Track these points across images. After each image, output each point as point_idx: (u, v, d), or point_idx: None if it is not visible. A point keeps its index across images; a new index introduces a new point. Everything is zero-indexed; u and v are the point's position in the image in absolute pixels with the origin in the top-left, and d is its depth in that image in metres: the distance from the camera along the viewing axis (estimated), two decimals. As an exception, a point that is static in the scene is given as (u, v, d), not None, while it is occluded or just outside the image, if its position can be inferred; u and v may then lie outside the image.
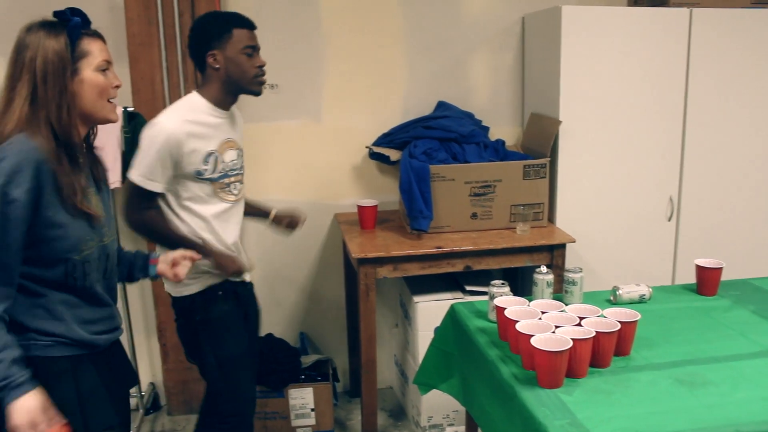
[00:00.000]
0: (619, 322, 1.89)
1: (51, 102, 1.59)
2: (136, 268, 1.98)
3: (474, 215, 3.06)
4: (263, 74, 2.27)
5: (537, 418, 1.64)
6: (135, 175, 2.16)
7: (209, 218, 2.26)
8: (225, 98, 2.27)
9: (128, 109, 2.96)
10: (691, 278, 2.49)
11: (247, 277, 2.45)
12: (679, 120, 3.19)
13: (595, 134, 3.13)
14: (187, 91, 3.08)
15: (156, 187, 2.17)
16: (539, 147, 3.16)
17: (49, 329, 1.63)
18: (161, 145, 2.12)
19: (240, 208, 2.41)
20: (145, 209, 2.21)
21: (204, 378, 2.42)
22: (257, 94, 2.30)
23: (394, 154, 3.20)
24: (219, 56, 2.19)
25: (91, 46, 1.69)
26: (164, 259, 1.96)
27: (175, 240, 2.20)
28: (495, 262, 2.95)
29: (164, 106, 3.08)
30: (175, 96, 3.10)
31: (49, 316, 1.64)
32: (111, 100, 1.72)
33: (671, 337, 2.08)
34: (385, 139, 3.27)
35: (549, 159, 3.07)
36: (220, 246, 2.28)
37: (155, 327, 3.37)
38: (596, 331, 1.83)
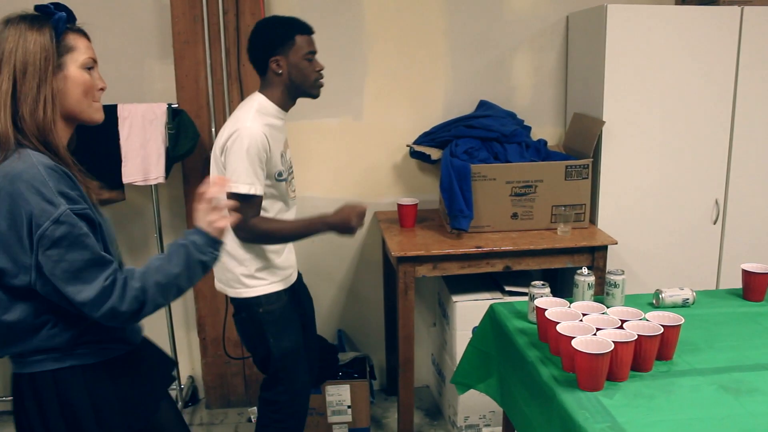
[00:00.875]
0: (662, 325, 1.86)
1: (28, 96, 1.50)
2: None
3: (515, 215, 3.04)
4: (322, 77, 2.35)
5: (576, 421, 1.62)
6: (242, 187, 2.17)
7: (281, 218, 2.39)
8: (287, 101, 2.35)
9: (173, 105, 3.00)
10: (737, 283, 2.44)
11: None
12: (727, 121, 3.13)
13: (639, 135, 3.09)
14: (230, 89, 3.13)
15: (257, 190, 2.21)
16: (582, 147, 3.12)
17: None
18: (253, 149, 2.18)
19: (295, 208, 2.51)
20: (253, 217, 2.24)
21: (263, 370, 2.49)
22: (316, 96, 2.38)
23: (435, 153, 3.19)
24: (282, 62, 2.26)
25: (77, 42, 1.60)
26: (204, 221, 1.67)
27: (294, 230, 2.34)
28: (535, 262, 2.92)
29: (207, 104, 3.13)
30: (218, 93, 3.13)
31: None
32: (95, 102, 1.66)
33: (716, 343, 2.03)
34: (426, 138, 3.26)
35: (592, 159, 3.03)
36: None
37: (195, 321, 3.41)
38: (638, 335, 1.80)
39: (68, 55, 1.57)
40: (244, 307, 2.39)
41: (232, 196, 2.14)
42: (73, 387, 1.59)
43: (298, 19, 2.32)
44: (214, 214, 1.66)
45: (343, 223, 2.29)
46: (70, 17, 1.61)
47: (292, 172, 2.46)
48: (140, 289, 1.53)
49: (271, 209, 2.35)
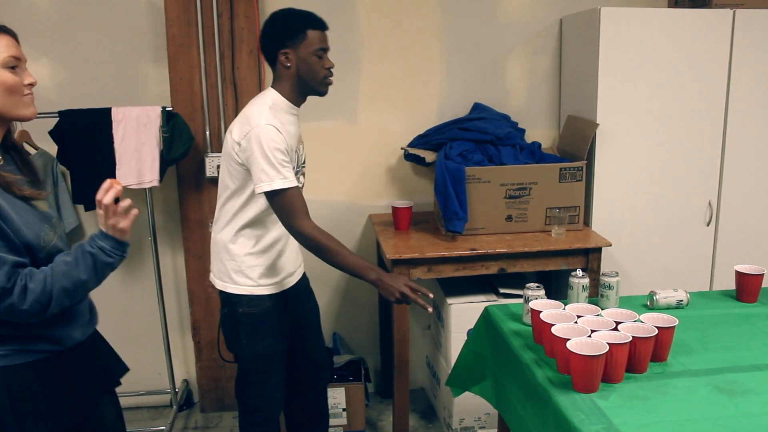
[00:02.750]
0: (657, 327, 1.87)
1: None
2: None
3: (509, 217, 3.05)
4: (331, 75, 2.29)
5: (572, 423, 1.63)
6: (276, 184, 2.12)
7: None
8: (297, 97, 2.30)
9: (167, 108, 2.99)
10: (730, 284, 2.45)
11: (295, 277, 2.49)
12: (720, 123, 3.14)
13: (633, 137, 3.10)
14: (224, 92, 3.13)
15: (293, 182, 2.15)
16: (576, 150, 3.13)
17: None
18: (272, 145, 2.12)
19: None
20: (307, 212, 2.19)
21: (238, 368, 2.46)
22: (323, 94, 2.32)
23: (429, 156, 3.20)
24: (291, 55, 2.21)
25: None
26: (106, 226, 1.70)
27: (347, 261, 2.18)
28: (530, 264, 2.93)
29: (202, 107, 3.13)
30: (212, 96, 3.13)
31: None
32: (26, 97, 1.66)
33: (710, 344, 2.04)
34: (421, 141, 3.27)
35: (586, 162, 3.04)
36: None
37: (189, 325, 3.41)
38: (633, 336, 1.81)
39: None
40: (227, 302, 2.37)
41: (270, 195, 2.13)
42: None
43: (313, 14, 2.26)
44: (113, 218, 1.68)
45: (391, 286, 2.14)
46: None
47: (304, 167, 2.43)
48: (43, 293, 1.57)
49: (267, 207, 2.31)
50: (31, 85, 1.67)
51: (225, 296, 2.37)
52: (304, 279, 2.60)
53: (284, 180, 2.12)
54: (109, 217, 1.67)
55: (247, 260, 2.31)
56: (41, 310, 1.58)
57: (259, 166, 2.12)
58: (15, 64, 1.62)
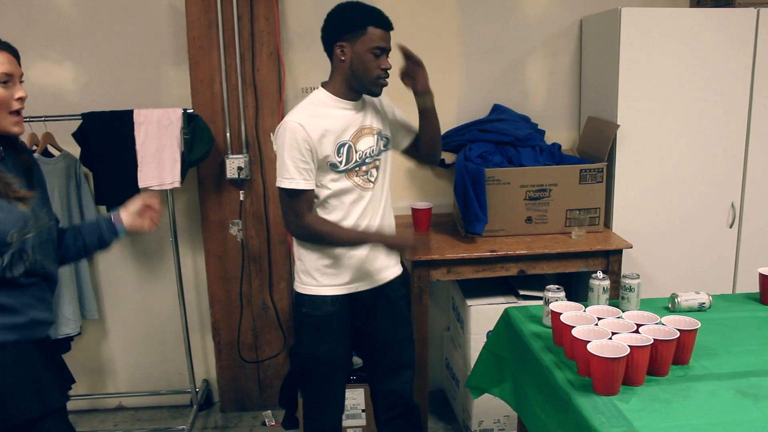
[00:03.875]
0: (678, 330, 1.85)
1: None
2: (104, 232, 2.00)
3: (529, 219, 3.04)
4: (386, 77, 2.23)
5: (593, 426, 1.62)
6: (283, 182, 2.17)
7: (349, 210, 2.28)
8: (348, 92, 2.25)
9: (188, 111, 3.02)
10: (753, 287, 2.42)
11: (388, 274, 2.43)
12: (743, 124, 3.10)
13: (654, 138, 3.07)
14: (244, 94, 3.15)
15: (298, 184, 2.16)
16: (596, 151, 3.11)
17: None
18: (293, 143, 2.13)
19: (381, 195, 2.36)
20: (305, 213, 2.20)
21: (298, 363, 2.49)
22: (375, 95, 2.28)
23: (449, 157, 3.19)
24: (347, 49, 2.17)
25: None
26: (131, 211, 1.99)
27: (347, 237, 2.25)
28: (549, 266, 2.91)
29: (222, 109, 3.15)
30: (233, 98, 3.15)
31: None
32: (15, 112, 1.72)
33: (733, 347, 2.02)
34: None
35: (606, 163, 3.02)
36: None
37: (210, 325, 3.43)
38: (654, 339, 1.80)
39: None
40: (295, 301, 2.41)
41: (280, 191, 2.19)
42: None
43: (380, 12, 2.19)
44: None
45: (399, 240, 2.25)
46: None
47: (375, 158, 2.31)
48: None
49: (340, 204, 2.26)
50: (21, 99, 1.72)
51: (294, 294, 2.41)
52: (392, 290, 2.45)
53: (290, 180, 2.15)
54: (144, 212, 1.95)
55: (314, 261, 2.30)
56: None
57: (278, 160, 2.19)
58: (6, 80, 1.68)
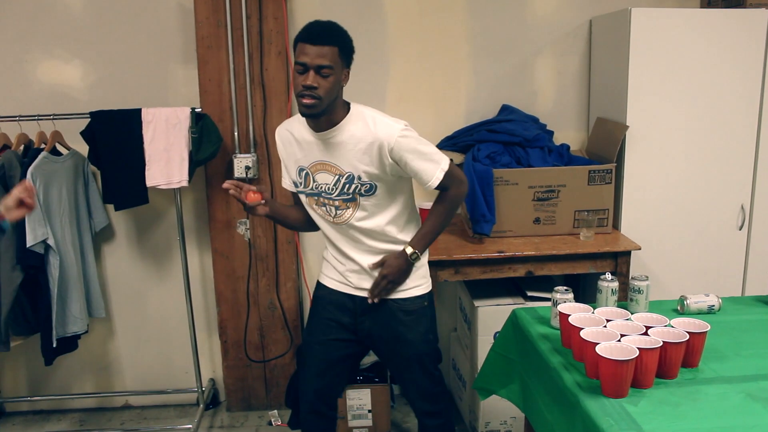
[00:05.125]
0: (688, 332, 1.83)
1: None
2: None
3: (537, 220, 3.02)
4: (307, 96, 2.04)
5: (601, 428, 1.61)
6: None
7: (324, 229, 2.38)
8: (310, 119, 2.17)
9: (196, 110, 3.02)
10: (763, 290, 2.41)
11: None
12: (754, 125, 3.08)
13: (664, 140, 3.06)
14: (253, 93, 3.15)
15: (285, 183, 2.41)
16: (605, 152, 3.10)
17: None
18: (278, 145, 2.34)
19: (361, 234, 2.28)
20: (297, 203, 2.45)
21: None
22: (304, 114, 2.13)
23: (457, 158, 3.19)
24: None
25: None
26: (8, 207, 2.07)
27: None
28: (557, 268, 2.90)
29: (230, 108, 3.15)
30: (241, 97, 3.15)
31: None
32: None
33: (742, 350, 2.00)
34: (449, 142, 3.26)
35: (615, 164, 3.00)
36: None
37: (216, 324, 3.43)
38: (663, 341, 1.78)
39: None
40: None
41: None
42: None
43: (309, 25, 2.09)
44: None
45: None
46: None
47: (334, 199, 2.23)
48: None
49: (317, 219, 2.39)
50: None
51: None
52: (400, 308, 2.36)
53: (283, 179, 2.41)
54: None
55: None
56: None
57: None
58: None
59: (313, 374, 2.46)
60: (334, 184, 2.21)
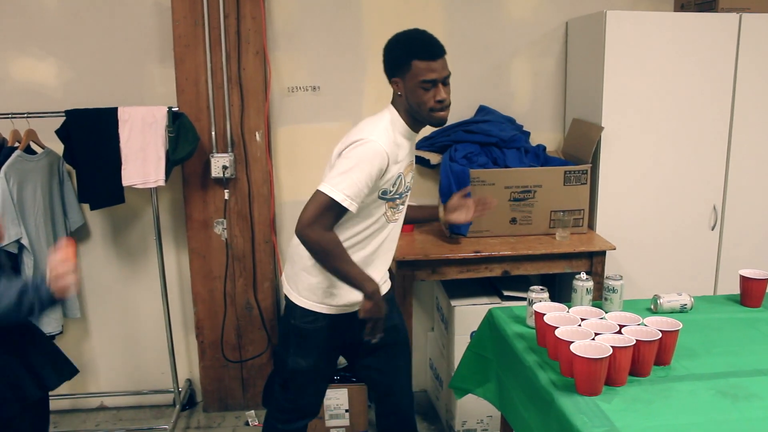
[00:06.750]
0: (660, 331, 1.86)
1: None
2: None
3: (513, 220, 3.05)
4: (441, 108, 2.13)
5: (575, 425, 1.63)
6: (338, 195, 2.02)
7: (370, 238, 2.22)
8: (412, 123, 2.20)
9: (173, 109, 3.00)
10: (735, 289, 2.45)
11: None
12: (725, 128, 3.14)
13: (638, 141, 3.10)
14: (230, 93, 3.14)
15: (353, 207, 2.05)
16: (580, 153, 3.13)
17: None
18: (369, 165, 2.05)
19: (398, 232, 2.34)
20: (331, 227, 2.09)
21: (278, 370, 2.47)
22: (436, 125, 2.19)
23: (434, 158, 3.20)
24: (401, 84, 2.14)
25: None
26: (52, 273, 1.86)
27: (350, 271, 2.11)
28: (533, 267, 2.93)
29: (208, 107, 3.13)
30: (218, 97, 3.14)
31: None
32: None
33: (713, 348, 2.04)
34: (426, 143, 3.27)
35: (590, 165, 3.04)
36: (375, 270, 2.25)
37: (193, 324, 3.41)
38: (637, 340, 1.81)
39: None
40: (286, 307, 2.34)
41: (319, 194, 2.05)
42: None
43: (421, 41, 2.13)
44: (62, 268, 1.83)
45: (378, 310, 2.13)
46: None
47: (406, 195, 2.27)
48: None
49: (361, 224, 2.18)
50: None
51: (286, 300, 2.35)
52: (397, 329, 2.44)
53: (344, 198, 2.03)
54: (58, 266, 1.84)
55: (318, 278, 2.23)
56: None
57: (343, 167, 2.06)
58: None
59: (320, 400, 2.49)
60: (411, 180, 2.31)
